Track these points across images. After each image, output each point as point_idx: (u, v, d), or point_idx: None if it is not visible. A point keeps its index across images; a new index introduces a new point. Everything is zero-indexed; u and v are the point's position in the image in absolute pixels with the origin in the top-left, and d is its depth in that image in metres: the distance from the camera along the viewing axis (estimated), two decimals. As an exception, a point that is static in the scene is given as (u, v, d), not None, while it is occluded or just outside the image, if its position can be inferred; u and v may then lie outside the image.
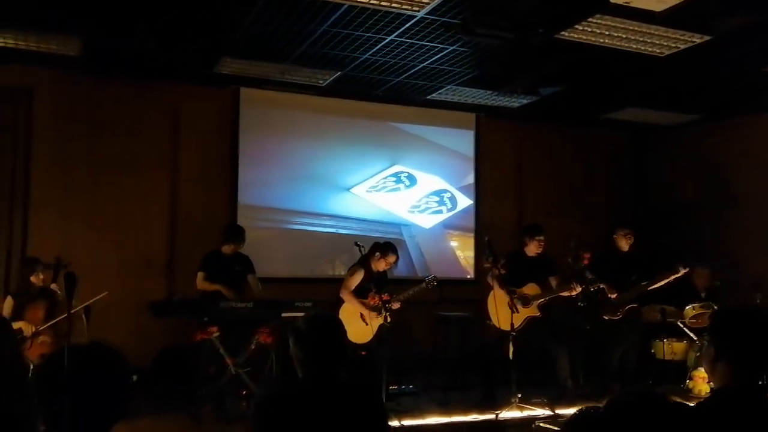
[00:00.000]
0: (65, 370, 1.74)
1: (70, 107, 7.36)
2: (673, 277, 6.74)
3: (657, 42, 6.00)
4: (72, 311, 5.02)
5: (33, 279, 5.99)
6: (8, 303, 5.94)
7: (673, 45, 6.06)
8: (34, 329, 5.60)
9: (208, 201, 7.77)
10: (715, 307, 6.99)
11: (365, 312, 6.27)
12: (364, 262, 6.39)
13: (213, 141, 7.91)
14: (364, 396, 2.51)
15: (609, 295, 6.79)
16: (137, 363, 6.64)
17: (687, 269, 6.76)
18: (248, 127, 7.95)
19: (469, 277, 8.85)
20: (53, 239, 6.90)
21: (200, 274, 6.50)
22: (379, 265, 6.37)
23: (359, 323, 6.22)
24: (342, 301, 6.33)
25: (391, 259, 6.38)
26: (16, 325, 5.36)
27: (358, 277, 6.32)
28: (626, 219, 8.43)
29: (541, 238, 6.74)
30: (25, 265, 6.23)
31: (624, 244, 7.02)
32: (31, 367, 4.56)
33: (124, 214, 7.48)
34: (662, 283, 6.80)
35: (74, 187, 7.32)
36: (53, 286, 5.93)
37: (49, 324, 5.69)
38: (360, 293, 6.35)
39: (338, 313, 6.10)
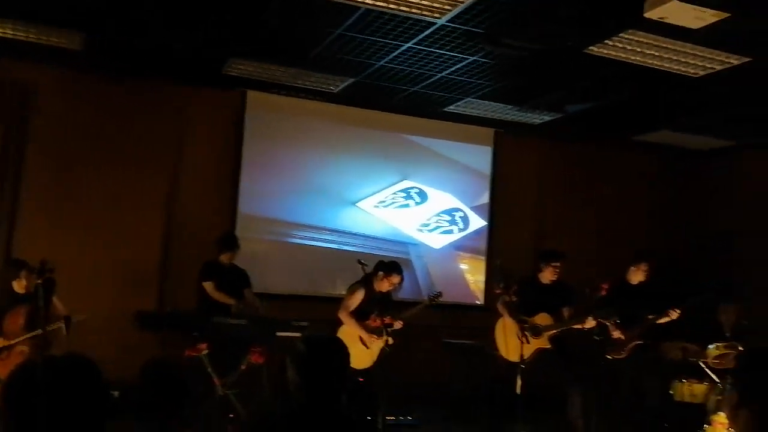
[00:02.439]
0: (38, 383, 1.72)
1: (70, 105, 7.41)
2: (663, 320, 6.66)
3: (692, 62, 5.98)
4: (49, 326, 5.04)
5: (15, 284, 5.91)
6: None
7: (709, 66, 6.04)
8: (6, 342, 5.51)
9: (207, 209, 7.78)
10: (740, 348, 6.90)
11: (365, 335, 6.22)
12: (366, 281, 6.33)
13: (216, 146, 7.94)
14: (364, 429, 2.47)
15: (614, 337, 6.73)
16: (120, 377, 6.70)
17: (679, 312, 6.65)
18: (253, 132, 7.98)
19: (478, 302, 8.80)
20: (41, 243, 6.91)
21: (209, 284, 6.50)
22: (383, 286, 6.33)
23: (359, 347, 6.16)
24: (340, 323, 6.29)
25: (395, 279, 6.32)
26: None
27: (358, 297, 6.27)
28: (646, 250, 8.38)
29: (557, 264, 6.68)
30: (8, 269, 6.19)
31: (635, 278, 6.92)
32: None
33: (118, 219, 7.50)
34: (661, 321, 6.70)
35: (68, 189, 7.36)
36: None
37: (26, 336, 5.60)
38: (360, 315, 6.29)
39: (336, 334, 6.07)
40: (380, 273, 6.34)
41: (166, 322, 6.10)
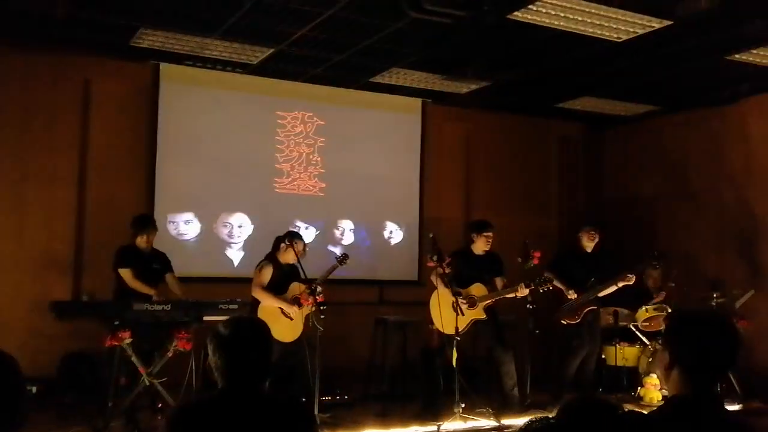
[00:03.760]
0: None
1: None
2: (621, 284, 6.95)
3: (614, 26, 6.13)
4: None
5: None
6: None
7: (632, 30, 6.20)
8: None
9: (122, 190, 7.54)
10: (669, 310, 7.23)
11: (285, 306, 6.27)
12: (271, 257, 6.43)
13: (128, 122, 7.67)
14: (291, 409, 2.45)
15: (568, 297, 6.94)
16: (36, 371, 6.52)
17: (634, 276, 6.95)
18: (169, 107, 7.75)
19: (411, 278, 8.86)
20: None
21: (126, 271, 6.31)
22: (288, 257, 6.36)
23: (282, 320, 6.21)
24: (257, 302, 6.30)
25: (299, 245, 6.37)
26: None
27: (267, 273, 6.33)
28: (570, 216, 8.63)
29: (490, 234, 6.81)
30: None
31: (588, 244, 7.20)
32: None
33: (26, 201, 7.19)
34: (610, 290, 7.00)
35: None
36: None
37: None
38: (276, 290, 6.33)
39: (256, 315, 6.06)
40: (282, 245, 6.38)
41: (85, 311, 5.90)
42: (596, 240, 7.20)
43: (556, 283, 6.85)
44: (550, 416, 1.64)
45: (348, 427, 6.05)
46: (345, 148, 8.60)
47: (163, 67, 7.67)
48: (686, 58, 7.04)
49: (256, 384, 2.40)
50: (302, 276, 6.27)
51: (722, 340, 2.20)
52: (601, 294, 7.04)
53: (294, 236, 6.45)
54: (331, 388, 6.68)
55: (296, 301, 6.26)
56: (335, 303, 6.68)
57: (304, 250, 6.49)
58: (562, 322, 7.02)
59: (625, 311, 7.50)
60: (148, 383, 5.66)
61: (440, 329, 6.53)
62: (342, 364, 7.10)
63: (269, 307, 6.23)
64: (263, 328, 2.51)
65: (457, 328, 6.14)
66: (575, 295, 6.95)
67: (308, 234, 8.22)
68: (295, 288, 6.34)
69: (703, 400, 2.15)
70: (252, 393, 2.38)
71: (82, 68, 7.45)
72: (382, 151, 8.81)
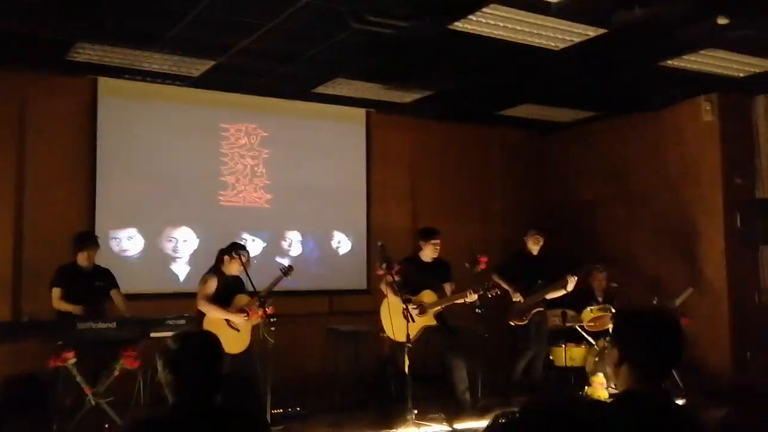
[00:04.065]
0: None
1: None
2: (565, 288, 7.17)
3: (552, 35, 6.28)
4: None
5: None
6: None
7: (568, 38, 6.37)
8: None
9: (61, 208, 7.34)
10: (613, 310, 7.43)
11: (231, 317, 6.21)
12: (215, 270, 6.38)
13: (67, 139, 7.50)
14: (245, 421, 2.44)
15: (514, 300, 7.13)
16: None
17: (576, 278, 7.18)
18: (109, 122, 7.60)
19: (361, 287, 8.87)
20: None
21: (56, 291, 6.19)
22: (233, 268, 6.32)
23: (229, 331, 6.15)
24: (202, 315, 6.23)
25: (245, 256, 6.32)
26: None
27: (212, 284, 6.27)
28: (514, 221, 8.80)
29: (437, 241, 6.89)
30: None
31: (533, 247, 7.46)
32: None
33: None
34: (559, 293, 7.21)
35: None
36: None
37: None
38: (222, 302, 6.27)
39: (202, 327, 6.00)
40: (226, 257, 6.33)
41: (27, 332, 5.73)
42: (541, 243, 7.47)
43: (504, 286, 7.03)
44: (515, 410, 1.67)
45: (302, 440, 6.03)
46: (291, 159, 8.57)
47: (102, 81, 7.54)
48: (621, 65, 7.25)
49: (208, 397, 2.38)
50: (248, 287, 6.23)
51: (669, 335, 2.27)
52: (549, 296, 7.25)
53: (238, 247, 6.39)
54: (283, 400, 6.63)
55: (242, 312, 6.20)
56: (285, 314, 6.62)
57: (248, 260, 6.43)
58: (511, 323, 7.21)
59: (572, 312, 7.66)
60: (94, 403, 5.54)
61: (391, 337, 6.56)
62: (294, 376, 7.06)
63: (215, 319, 6.16)
64: (213, 341, 2.49)
65: (408, 335, 6.18)
66: (521, 299, 7.18)
67: (255, 246, 8.16)
68: (241, 299, 6.30)
69: (653, 394, 2.21)
70: (204, 407, 2.36)
71: (17, 86, 7.26)
72: (328, 162, 8.81)
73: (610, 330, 6.72)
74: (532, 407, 1.65)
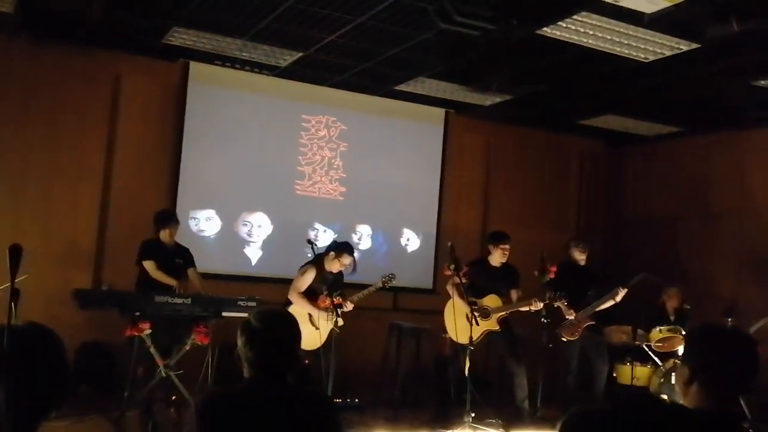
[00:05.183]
0: (1, 351, 1.72)
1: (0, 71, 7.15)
2: (614, 301, 7.02)
3: (642, 46, 6.18)
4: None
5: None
6: None
7: (659, 51, 6.25)
8: None
9: (146, 186, 7.65)
10: (683, 332, 7.23)
11: (314, 314, 6.24)
12: (316, 261, 6.37)
13: (156, 119, 7.80)
14: (317, 400, 2.52)
15: (567, 317, 7.00)
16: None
17: (626, 290, 6.99)
18: (196, 106, 7.86)
19: (426, 286, 8.91)
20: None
21: (149, 264, 6.41)
22: (333, 266, 6.36)
23: (308, 327, 6.17)
24: (289, 303, 6.30)
25: (346, 260, 6.35)
26: None
27: (309, 277, 6.29)
28: (588, 233, 8.65)
29: (507, 246, 6.85)
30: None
31: (579, 258, 7.31)
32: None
33: (52, 195, 7.31)
34: (607, 304, 7.05)
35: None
36: None
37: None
38: (310, 295, 6.33)
39: None
40: (331, 253, 6.36)
41: (108, 300, 5.99)
42: (586, 254, 7.31)
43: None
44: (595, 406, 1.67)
45: (358, 431, 6.10)
46: (367, 154, 8.68)
47: (193, 65, 7.80)
48: (712, 82, 7.07)
49: (283, 376, 2.45)
50: (341, 288, 6.32)
51: (745, 356, 2.20)
52: (598, 309, 7.08)
53: (344, 249, 6.35)
54: (342, 391, 6.74)
55: (327, 313, 6.16)
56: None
57: (350, 265, 6.39)
58: (563, 339, 7.05)
59: (639, 330, 7.50)
60: (164, 375, 5.75)
61: (454, 338, 6.58)
62: (355, 368, 7.16)
63: (299, 311, 6.10)
64: (293, 322, 2.57)
65: (470, 338, 6.20)
66: (574, 315, 7.01)
67: (326, 237, 8.30)
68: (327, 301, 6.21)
69: (726, 415, 2.14)
70: (280, 383, 2.44)
71: (113, 64, 7.57)
72: (403, 159, 8.88)
73: (680, 352, 6.58)
74: (621, 404, 1.64)
